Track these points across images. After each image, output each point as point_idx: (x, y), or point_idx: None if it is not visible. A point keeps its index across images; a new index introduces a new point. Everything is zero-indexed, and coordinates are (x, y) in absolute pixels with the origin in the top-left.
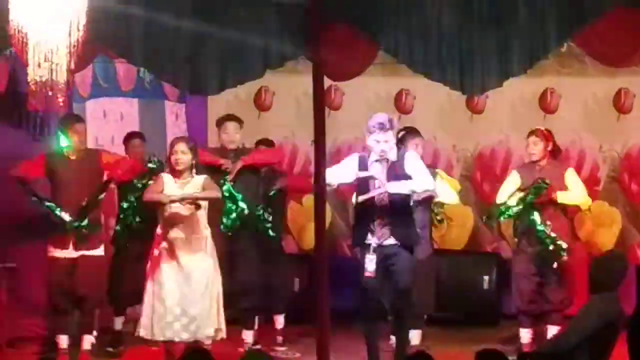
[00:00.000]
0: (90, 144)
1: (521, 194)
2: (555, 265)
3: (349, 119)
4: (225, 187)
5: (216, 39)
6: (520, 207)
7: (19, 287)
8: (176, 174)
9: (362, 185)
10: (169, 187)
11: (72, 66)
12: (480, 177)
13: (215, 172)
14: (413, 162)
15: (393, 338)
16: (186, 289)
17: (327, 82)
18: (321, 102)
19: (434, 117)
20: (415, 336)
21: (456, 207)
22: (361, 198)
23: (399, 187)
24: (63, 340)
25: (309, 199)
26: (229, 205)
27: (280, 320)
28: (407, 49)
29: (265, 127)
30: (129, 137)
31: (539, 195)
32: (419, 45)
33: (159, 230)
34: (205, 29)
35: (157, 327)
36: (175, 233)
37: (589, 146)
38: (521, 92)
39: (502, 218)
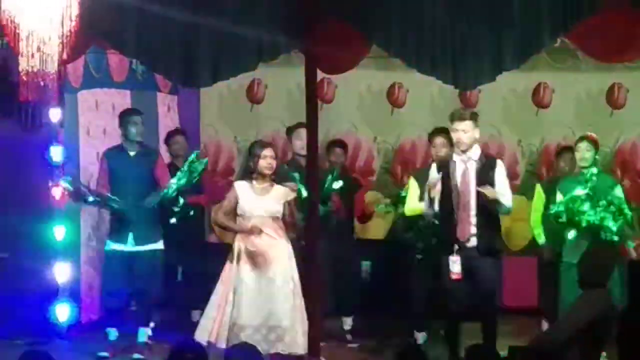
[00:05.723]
0: (82, 135)
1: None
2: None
3: (341, 112)
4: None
5: (209, 30)
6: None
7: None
8: (261, 179)
9: (444, 183)
10: (248, 198)
11: (64, 56)
12: None
13: None
14: (503, 173)
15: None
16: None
17: (320, 74)
18: (313, 95)
19: (427, 111)
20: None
21: None
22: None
23: (495, 193)
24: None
25: None
26: None
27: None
28: (399, 43)
29: (258, 119)
30: (171, 135)
31: None
32: (412, 39)
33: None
34: (198, 21)
35: (223, 332)
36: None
37: None
38: (514, 87)
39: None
